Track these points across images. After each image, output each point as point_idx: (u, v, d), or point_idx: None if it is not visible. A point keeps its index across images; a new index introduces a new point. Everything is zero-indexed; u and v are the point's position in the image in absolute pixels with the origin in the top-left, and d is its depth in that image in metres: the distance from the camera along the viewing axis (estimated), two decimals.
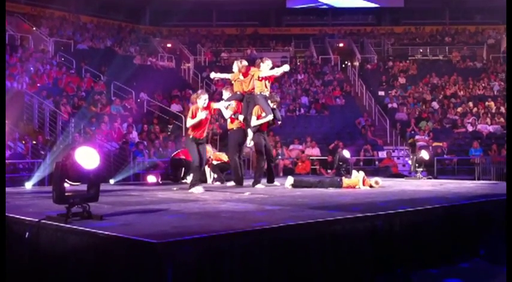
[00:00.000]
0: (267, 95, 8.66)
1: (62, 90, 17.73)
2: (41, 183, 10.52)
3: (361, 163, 16.71)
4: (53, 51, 22.40)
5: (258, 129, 8.62)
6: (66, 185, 4.30)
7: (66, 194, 4.27)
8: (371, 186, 8.20)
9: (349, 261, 4.20)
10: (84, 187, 4.46)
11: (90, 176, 4.35)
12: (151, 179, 10.97)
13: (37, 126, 15.36)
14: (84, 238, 3.78)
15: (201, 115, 7.77)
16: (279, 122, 9.17)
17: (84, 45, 24.38)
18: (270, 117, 8.57)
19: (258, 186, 8.38)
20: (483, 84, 25.07)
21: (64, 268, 3.87)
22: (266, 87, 8.65)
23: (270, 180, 8.93)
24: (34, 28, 24.28)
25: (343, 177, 8.67)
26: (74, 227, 3.94)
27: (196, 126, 7.86)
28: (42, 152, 13.04)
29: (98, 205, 4.78)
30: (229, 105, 8.52)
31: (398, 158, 17.89)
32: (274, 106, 8.80)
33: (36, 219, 4.18)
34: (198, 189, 7.60)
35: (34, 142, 13.82)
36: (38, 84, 17.64)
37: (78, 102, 16.88)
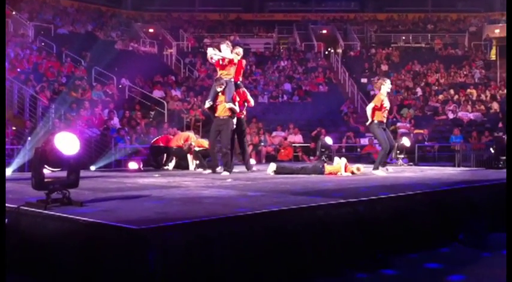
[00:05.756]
0: (222, 80, 8.65)
1: (42, 76, 17.48)
2: (20, 169, 10.40)
3: (343, 150, 16.82)
4: (32, 35, 22.06)
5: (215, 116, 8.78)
6: (45, 171, 4.24)
7: (46, 180, 4.22)
8: (353, 173, 8.26)
9: (331, 246, 4.22)
10: (64, 173, 4.41)
11: (70, 161, 4.30)
12: (132, 165, 10.90)
13: (17, 112, 15.15)
14: (65, 224, 3.75)
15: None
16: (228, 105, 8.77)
17: (64, 30, 24.04)
18: (207, 104, 8.83)
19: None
20: (464, 72, 25.30)
21: (45, 254, 3.83)
22: (229, 73, 8.65)
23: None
24: (14, 12, 23.81)
25: (325, 164, 8.71)
26: (54, 213, 3.90)
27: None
28: (22, 138, 12.88)
29: (79, 191, 4.73)
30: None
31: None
32: (219, 89, 8.64)
33: (16, 206, 4.13)
34: (381, 173, 8.19)
35: (14, 128, 13.63)
36: (18, 69, 17.37)
37: (59, 88, 16.67)
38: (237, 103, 8.62)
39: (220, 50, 8.80)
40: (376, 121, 8.58)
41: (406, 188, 5.76)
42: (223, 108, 8.56)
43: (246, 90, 9.31)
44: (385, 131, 8.68)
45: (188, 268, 3.37)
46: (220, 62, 8.70)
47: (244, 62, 9.20)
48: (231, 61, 8.64)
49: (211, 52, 8.84)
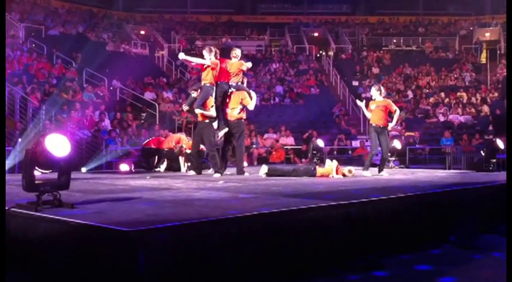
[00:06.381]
0: (195, 85, 9.08)
1: (32, 77, 17.39)
2: (11, 170, 10.34)
3: (335, 152, 16.86)
4: (23, 36, 21.96)
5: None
6: (36, 172, 4.22)
7: (36, 181, 4.19)
8: (344, 175, 8.27)
9: (323, 247, 4.22)
10: (54, 175, 4.38)
11: (61, 163, 4.27)
12: (124, 167, 10.85)
13: (7, 113, 15.04)
14: (55, 226, 3.72)
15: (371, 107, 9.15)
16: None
17: (55, 31, 23.92)
18: (184, 108, 9.39)
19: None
20: (455, 75, 25.45)
21: (35, 257, 3.81)
22: (206, 78, 8.65)
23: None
24: None
25: (317, 166, 8.72)
26: (44, 215, 3.88)
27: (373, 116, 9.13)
28: (12, 139, 12.79)
29: (69, 193, 4.71)
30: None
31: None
32: (193, 94, 8.94)
33: (6, 208, 4.10)
34: (368, 174, 8.64)
35: None
36: (8, 71, 17.23)
37: (49, 89, 16.58)
38: (213, 108, 8.60)
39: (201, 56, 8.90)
40: (373, 124, 9.03)
41: (398, 190, 5.78)
42: (198, 113, 8.66)
43: (248, 92, 9.12)
44: (381, 135, 8.98)
45: (179, 270, 3.36)
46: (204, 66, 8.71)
47: (241, 63, 9.02)
48: (208, 66, 8.57)
49: (181, 57, 8.93)
